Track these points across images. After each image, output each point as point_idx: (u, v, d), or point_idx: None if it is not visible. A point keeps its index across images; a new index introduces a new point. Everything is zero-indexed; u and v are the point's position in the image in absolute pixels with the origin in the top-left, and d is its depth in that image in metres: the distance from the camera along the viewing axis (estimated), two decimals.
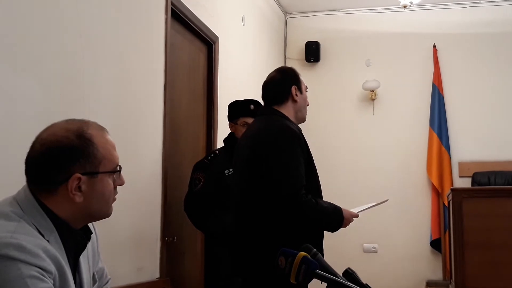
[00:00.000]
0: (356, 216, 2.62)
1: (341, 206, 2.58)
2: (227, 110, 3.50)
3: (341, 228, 2.59)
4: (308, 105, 2.74)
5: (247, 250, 2.53)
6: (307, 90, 2.74)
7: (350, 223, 2.61)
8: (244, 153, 2.61)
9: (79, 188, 1.39)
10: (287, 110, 2.64)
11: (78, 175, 1.38)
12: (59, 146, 1.38)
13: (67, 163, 1.38)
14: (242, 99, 3.52)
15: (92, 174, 1.41)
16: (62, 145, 1.38)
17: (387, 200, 2.88)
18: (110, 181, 1.45)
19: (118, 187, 1.49)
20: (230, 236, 2.67)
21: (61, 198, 1.39)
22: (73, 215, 1.41)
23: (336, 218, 2.54)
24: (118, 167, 1.47)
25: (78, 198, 1.39)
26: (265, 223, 2.46)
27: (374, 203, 2.82)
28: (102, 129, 1.47)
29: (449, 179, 6.10)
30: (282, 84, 2.68)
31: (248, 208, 2.53)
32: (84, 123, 1.45)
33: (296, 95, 2.66)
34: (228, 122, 3.49)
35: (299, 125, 2.69)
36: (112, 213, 1.51)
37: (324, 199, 2.62)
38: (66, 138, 1.39)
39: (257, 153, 2.51)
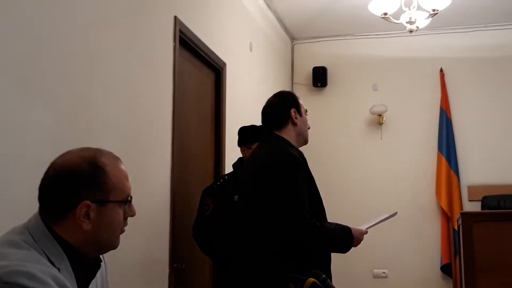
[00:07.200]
0: (366, 232, 2.58)
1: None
2: (241, 134, 3.49)
3: (351, 249, 2.52)
4: (309, 128, 2.73)
5: (254, 277, 2.50)
6: (306, 113, 2.74)
7: (362, 242, 2.55)
8: (246, 181, 2.60)
9: (87, 215, 1.39)
10: (288, 134, 2.64)
11: (88, 202, 1.38)
12: (71, 173, 1.39)
13: (77, 190, 1.38)
14: (251, 124, 3.52)
15: (102, 202, 1.40)
16: (74, 171, 1.39)
17: (397, 213, 2.81)
18: (120, 211, 1.44)
19: (129, 218, 1.48)
20: (237, 259, 2.65)
21: (70, 225, 1.38)
22: (82, 243, 1.40)
23: (346, 238, 2.49)
24: (129, 197, 1.47)
25: (86, 226, 1.39)
26: (272, 250, 2.42)
27: (384, 216, 2.77)
28: (116, 158, 1.47)
29: (459, 203, 6.06)
30: (281, 107, 2.68)
31: (254, 235, 2.50)
32: (98, 151, 1.45)
33: (296, 117, 2.65)
34: (241, 146, 3.47)
35: (301, 147, 2.69)
36: (120, 239, 1.49)
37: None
38: (78, 165, 1.39)
39: (258, 181, 2.49)
